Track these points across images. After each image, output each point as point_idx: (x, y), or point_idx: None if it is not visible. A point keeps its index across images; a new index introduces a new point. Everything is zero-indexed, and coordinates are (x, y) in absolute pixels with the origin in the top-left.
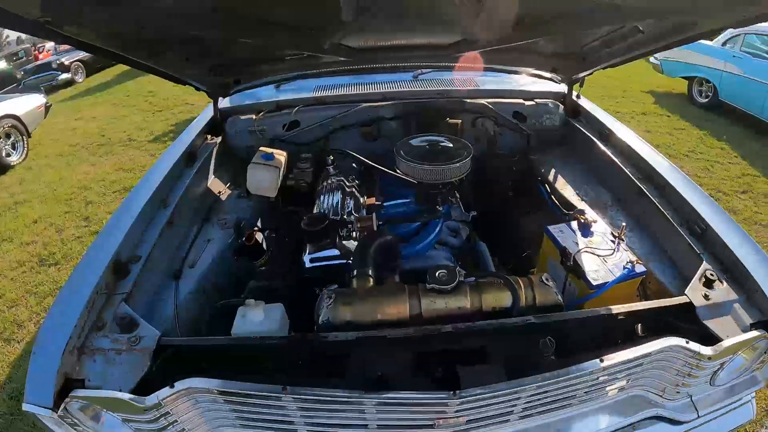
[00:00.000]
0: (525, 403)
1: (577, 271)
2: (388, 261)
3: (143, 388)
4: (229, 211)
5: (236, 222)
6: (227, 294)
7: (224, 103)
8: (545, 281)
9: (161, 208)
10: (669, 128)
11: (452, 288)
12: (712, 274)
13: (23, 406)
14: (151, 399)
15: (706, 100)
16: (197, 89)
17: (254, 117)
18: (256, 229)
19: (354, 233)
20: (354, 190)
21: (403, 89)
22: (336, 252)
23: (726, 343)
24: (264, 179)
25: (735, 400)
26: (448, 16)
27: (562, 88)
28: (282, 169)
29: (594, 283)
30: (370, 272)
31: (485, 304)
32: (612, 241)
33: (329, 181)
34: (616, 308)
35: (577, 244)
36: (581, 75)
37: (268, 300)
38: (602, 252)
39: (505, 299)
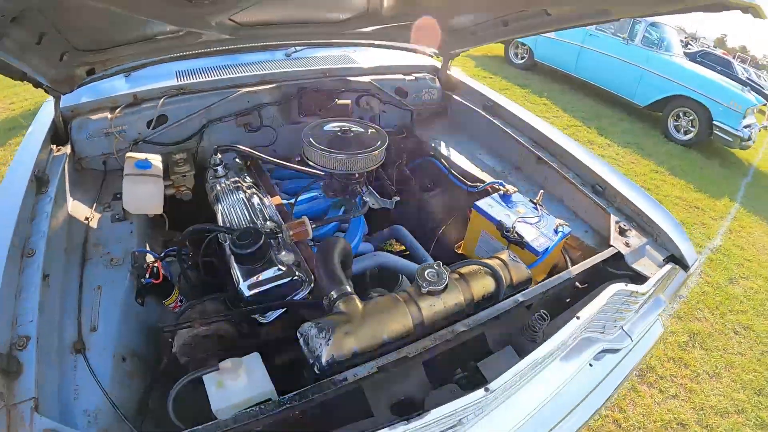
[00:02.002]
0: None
1: (519, 242)
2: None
3: None
4: (107, 241)
5: (134, 256)
6: (147, 361)
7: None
8: (514, 259)
9: (26, 257)
10: (495, 89)
11: (445, 287)
12: (624, 225)
13: None
14: None
15: (522, 61)
16: (36, 85)
17: (109, 115)
18: (157, 259)
19: (286, 243)
20: (255, 191)
21: (280, 70)
22: (276, 272)
23: (654, 278)
24: (147, 194)
25: (651, 321)
26: None
27: (432, 61)
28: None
29: (539, 249)
30: (351, 289)
31: (476, 294)
32: (534, 208)
33: (222, 184)
34: (574, 270)
35: (509, 216)
36: (462, 50)
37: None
38: (531, 219)
39: (491, 285)
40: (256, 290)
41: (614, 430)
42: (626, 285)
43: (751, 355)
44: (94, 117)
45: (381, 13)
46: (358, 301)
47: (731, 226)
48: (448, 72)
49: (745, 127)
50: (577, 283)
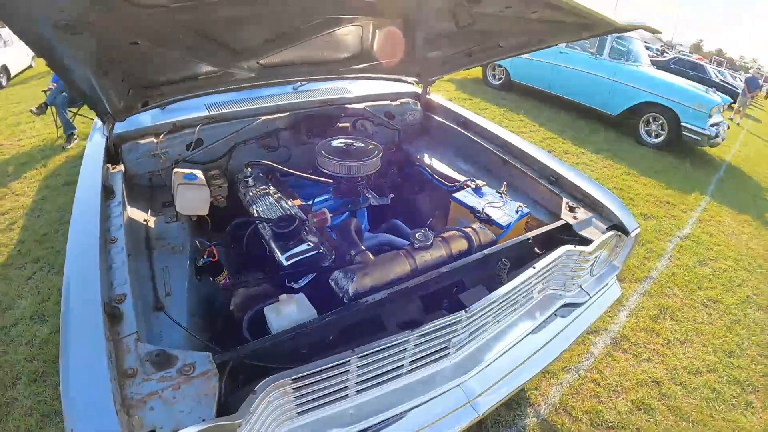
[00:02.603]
0: (502, 307)
1: (488, 220)
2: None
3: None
4: (166, 236)
5: (193, 242)
6: (206, 323)
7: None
8: (482, 228)
9: (110, 243)
10: (474, 109)
11: (431, 244)
12: (573, 204)
13: None
14: (243, 412)
15: (500, 82)
16: (99, 114)
17: (155, 140)
18: (212, 245)
19: (311, 229)
20: (279, 195)
21: (290, 101)
22: (306, 246)
23: (597, 241)
24: (197, 198)
25: (607, 283)
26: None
27: (415, 88)
28: None
29: (503, 224)
30: (364, 248)
31: (454, 250)
32: (500, 196)
33: (254, 192)
34: (530, 234)
35: (479, 203)
36: (437, 77)
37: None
38: (497, 204)
39: (465, 245)
40: (292, 261)
41: (593, 387)
42: (574, 246)
43: (721, 324)
44: (141, 141)
45: (371, 53)
46: (370, 255)
47: (701, 216)
48: (427, 96)
49: (712, 125)
50: (536, 249)
